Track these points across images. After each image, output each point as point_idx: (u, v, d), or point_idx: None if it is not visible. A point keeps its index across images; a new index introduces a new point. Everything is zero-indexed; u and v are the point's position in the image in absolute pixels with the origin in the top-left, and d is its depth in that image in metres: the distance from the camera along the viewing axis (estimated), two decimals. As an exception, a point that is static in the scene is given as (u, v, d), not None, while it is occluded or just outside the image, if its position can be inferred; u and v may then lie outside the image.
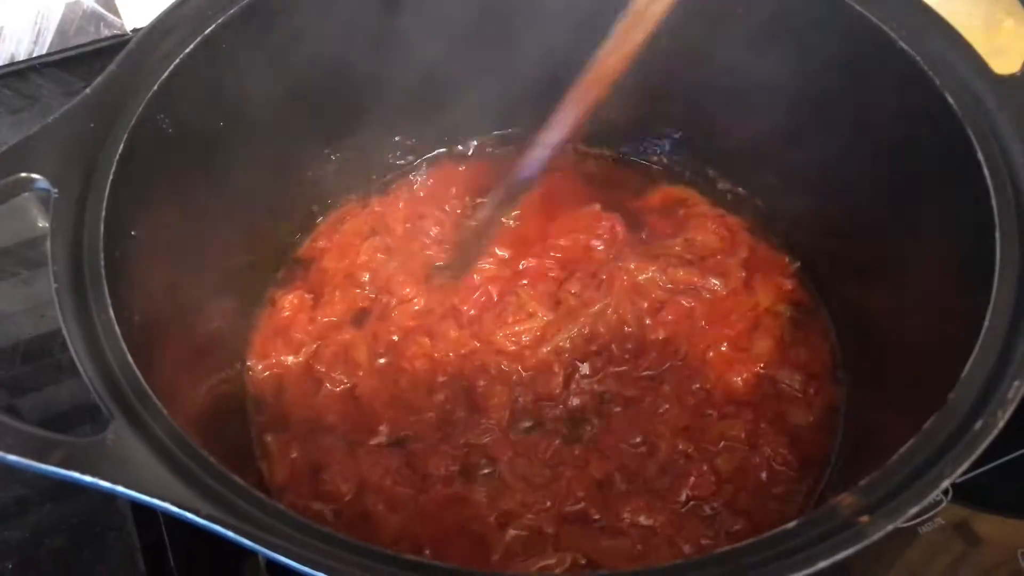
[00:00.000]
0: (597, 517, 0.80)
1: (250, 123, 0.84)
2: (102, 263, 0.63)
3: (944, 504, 0.88)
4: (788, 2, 0.81)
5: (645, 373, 0.88)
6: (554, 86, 0.87)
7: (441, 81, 0.96)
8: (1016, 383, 0.56)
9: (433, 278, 0.95)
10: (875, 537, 0.51)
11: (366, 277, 0.96)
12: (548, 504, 0.80)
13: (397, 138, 1.04)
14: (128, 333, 0.61)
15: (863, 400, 0.85)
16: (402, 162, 1.07)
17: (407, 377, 0.88)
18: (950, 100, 0.71)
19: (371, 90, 0.95)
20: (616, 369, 0.88)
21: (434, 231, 1.00)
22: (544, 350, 0.89)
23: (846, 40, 0.78)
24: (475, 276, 0.94)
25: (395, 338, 0.91)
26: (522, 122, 1.04)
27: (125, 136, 0.69)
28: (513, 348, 0.89)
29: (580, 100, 0.84)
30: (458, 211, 1.02)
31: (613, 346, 0.89)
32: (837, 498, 0.54)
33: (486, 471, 0.83)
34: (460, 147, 1.08)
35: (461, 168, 1.07)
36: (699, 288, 0.92)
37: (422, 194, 1.04)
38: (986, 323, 0.60)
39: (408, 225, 1.01)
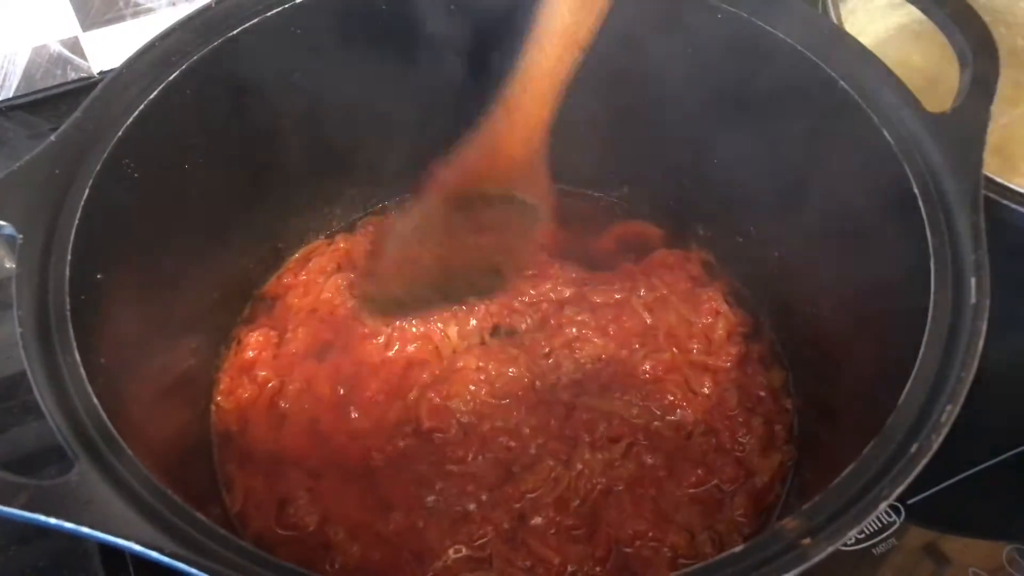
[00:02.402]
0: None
1: (216, 165, 0.86)
2: (67, 307, 0.64)
3: (898, 524, 0.90)
4: (725, 39, 0.84)
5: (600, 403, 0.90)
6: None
7: (407, 130, 0.99)
8: (948, 407, 0.59)
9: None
10: (817, 558, 0.53)
11: (330, 313, 0.97)
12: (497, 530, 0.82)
13: (363, 178, 1.06)
14: (94, 375, 0.62)
15: (811, 428, 0.87)
16: (369, 201, 1.09)
17: (369, 410, 0.89)
18: (888, 137, 0.74)
19: (338, 131, 0.97)
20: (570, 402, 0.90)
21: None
22: (501, 386, 0.90)
23: (786, 79, 0.81)
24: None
25: (357, 372, 0.92)
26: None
27: (90, 182, 0.70)
28: (472, 387, 0.90)
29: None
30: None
31: (567, 379, 0.91)
32: (782, 522, 0.56)
33: (445, 501, 0.84)
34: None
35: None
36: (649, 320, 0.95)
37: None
38: (921, 351, 0.63)
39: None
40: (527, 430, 0.88)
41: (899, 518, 0.90)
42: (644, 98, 0.95)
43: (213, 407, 0.92)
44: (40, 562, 0.88)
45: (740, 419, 0.88)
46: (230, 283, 0.97)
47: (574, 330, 0.94)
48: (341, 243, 1.05)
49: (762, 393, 0.91)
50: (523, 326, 0.95)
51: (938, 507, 0.91)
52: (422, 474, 0.85)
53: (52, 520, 0.52)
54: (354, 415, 0.89)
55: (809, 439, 0.87)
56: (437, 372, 0.91)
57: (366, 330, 0.94)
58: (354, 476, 0.85)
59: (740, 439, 0.87)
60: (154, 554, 0.52)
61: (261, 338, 0.95)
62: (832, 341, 0.86)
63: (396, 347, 0.93)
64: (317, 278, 1.00)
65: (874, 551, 0.89)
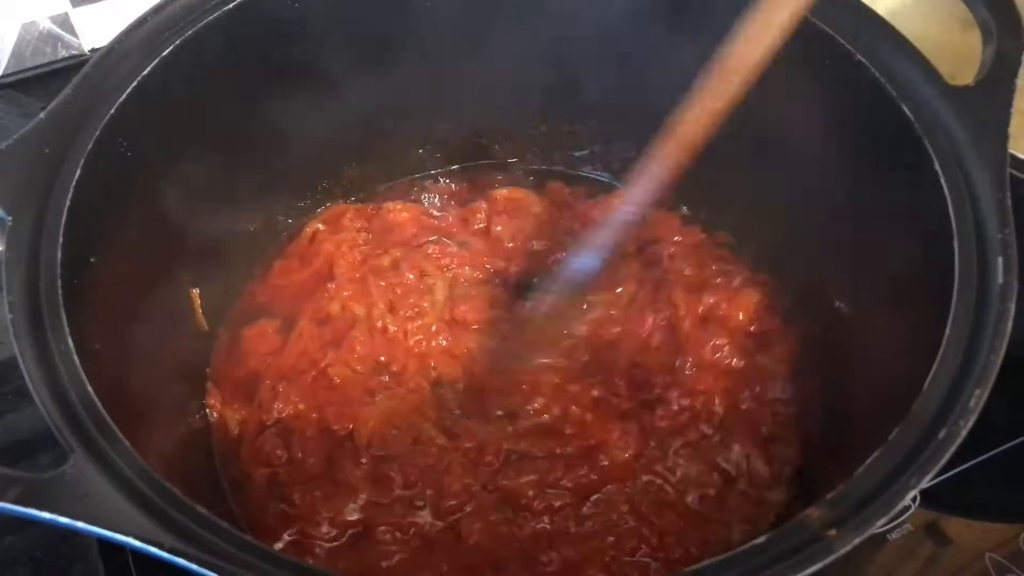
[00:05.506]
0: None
1: (211, 143, 0.84)
2: (59, 291, 0.62)
3: (913, 510, 0.89)
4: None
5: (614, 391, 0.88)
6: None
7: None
8: (977, 391, 0.57)
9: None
10: (843, 551, 0.52)
11: (336, 303, 0.95)
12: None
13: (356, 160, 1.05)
14: (88, 362, 0.60)
15: (832, 413, 0.85)
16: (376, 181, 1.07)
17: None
18: (907, 112, 0.72)
19: (337, 108, 0.94)
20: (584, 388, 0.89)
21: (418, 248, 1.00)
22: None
23: (803, 53, 0.79)
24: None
25: (359, 368, 0.90)
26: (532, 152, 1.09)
27: (82, 161, 0.68)
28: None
29: (661, 163, 0.74)
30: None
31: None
32: (805, 512, 0.54)
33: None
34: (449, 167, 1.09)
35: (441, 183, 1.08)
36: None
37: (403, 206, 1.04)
38: (947, 333, 0.61)
39: (390, 245, 1.00)
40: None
41: (914, 504, 0.89)
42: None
43: (213, 398, 0.89)
44: (36, 551, 0.86)
45: (755, 408, 0.86)
46: (228, 266, 0.95)
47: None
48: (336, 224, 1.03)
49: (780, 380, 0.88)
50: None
51: (954, 492, 0.90)
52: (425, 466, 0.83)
53: (45, 515, 0.50)
54: (367, 398, 0.87)
55: (830, 425, 0.85)
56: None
57: (375, 312, 0.93)
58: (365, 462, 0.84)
59: (756, 427, 0.85)
60: (153, 549, 0.50)
61: (261, 327, 0.93)
62: (851, 323, 0.83)
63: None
64: (320, 256, 0.98)
65: (889, 536, 0.87)
